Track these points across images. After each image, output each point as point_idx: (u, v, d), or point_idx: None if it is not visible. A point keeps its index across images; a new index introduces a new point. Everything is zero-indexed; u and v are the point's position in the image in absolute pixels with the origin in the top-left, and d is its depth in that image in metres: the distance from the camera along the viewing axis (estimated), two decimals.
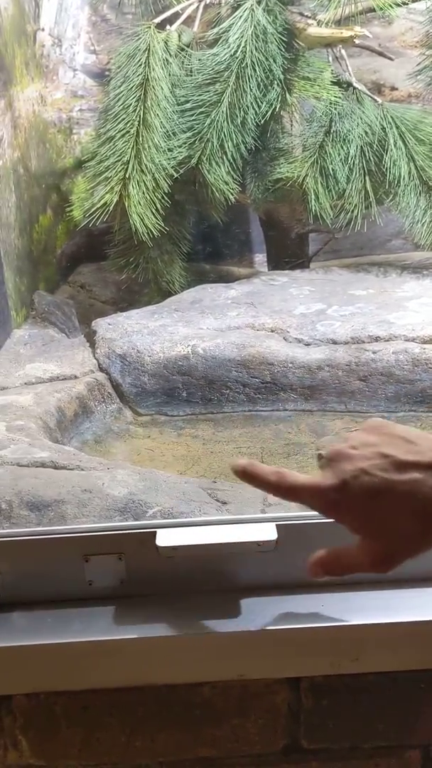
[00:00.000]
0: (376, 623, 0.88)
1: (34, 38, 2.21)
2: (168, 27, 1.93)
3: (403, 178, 1.90)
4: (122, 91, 1.78)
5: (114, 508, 1.07)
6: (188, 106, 1.83)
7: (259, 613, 0.90)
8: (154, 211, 1.82)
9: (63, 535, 0.91)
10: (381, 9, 1.82)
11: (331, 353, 1.71)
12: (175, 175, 1.85)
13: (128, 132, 1.77)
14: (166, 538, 0.89)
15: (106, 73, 2.04)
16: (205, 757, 0.94)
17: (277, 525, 0.90)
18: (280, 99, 1.83)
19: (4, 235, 1.95)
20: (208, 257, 2.58)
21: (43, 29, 2.26)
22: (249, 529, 0.91)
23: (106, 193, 1.78)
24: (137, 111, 1.77)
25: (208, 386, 1.72)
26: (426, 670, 0.89)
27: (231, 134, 1.83)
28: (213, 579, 0.92)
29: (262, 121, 1.86)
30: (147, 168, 1.79)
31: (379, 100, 1.98)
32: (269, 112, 1.84)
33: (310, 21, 1.87)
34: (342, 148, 1.92)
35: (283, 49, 1.81)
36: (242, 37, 1.78)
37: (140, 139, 1.78)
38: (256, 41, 1.79)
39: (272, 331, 1.81)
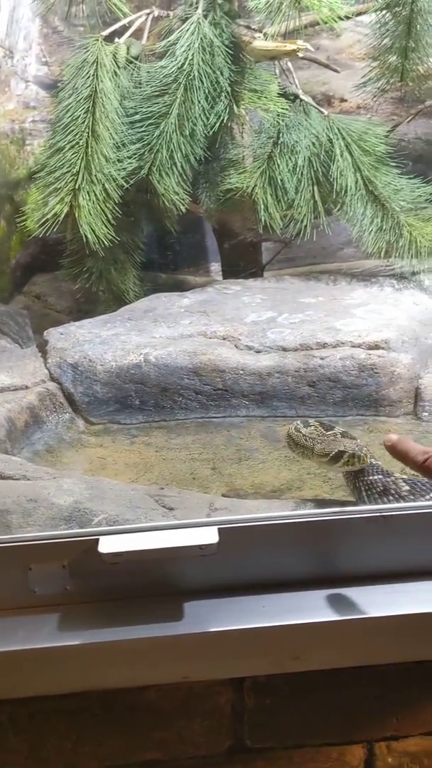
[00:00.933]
0: (316, 622, 0.90)
1: None
2: (117, 40, 1.95)
3: (350, 188, 1.95)
4: (71, 103, 1.79)
5: (59, 516, 1.08)
6: (137, 117, 1.85)
7: (202, 616, 0.91)
8: (104, 221, 1.83)
9: (6, 545, 0.91)
10: (325, 22, 1.86)
11: (281, 360, 1.73)
12: (126, 186, 1.86)
13: (77, 143, 1.79)
14: (108, 545, 0.91)
15: (58, 84, 2.04)
16: (152, 759, 0.95)
17: (219, 528, 0.92)
18: (228, 110, 1.86)
19: None
20: (164, 266, 2.60)
21: None
22: (191, 533, 0.93)
23: (57, 203, 1.79)
24: (86, 122, 1.79)
25: (161, 394, 1.74)
26: (366, 667, 0.92)
27: (180, 145, 1.85)
28: (157, 583, 0.94)
29: (211, 133, 1.89)
30: (97, 179, 1.80)
31: (326, 111, 2.03)
32: (218, 124, 1.87)
33: (257, 34, 1.90)
34: (290, 158, 1.96)
35: (230, 62, 1.84)
36: (189, 49, 1.81)
37: (89, 150, 1.79)
38: (203, 54, 1.81)
39: (224, 339, 1.83)
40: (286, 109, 1.95)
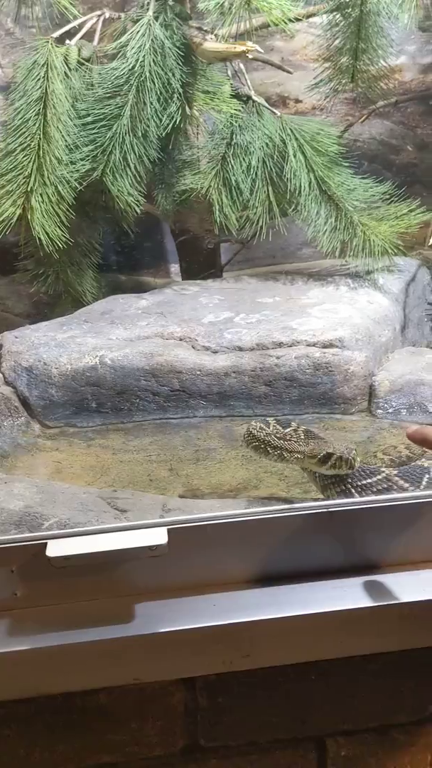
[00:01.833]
0: (265, 619, 0.91)
1: None
2: (68, 41, 1.94)
3: (304, 189, 1.96)
4: (22, 105, 1.78)
5: (9, 521, 1.07)
6: (90, 119, 1.84)
7: (153, 617, 0.92)
8: (58, 222, 1.82)
9: None
10: (276, 24, 1.87)
11: (238, 360, 1.74)
12: (79, 188, 1.85)
13: (29, 145, 1.77)
14: (56, 549, 0.90)
15: (12, 86, 2.03)
16: (106, 763, 0.95)
17: (168, 529, 0.92)
18: (180, 112, 1.86)
19: None
20: (124, 268, 2.59)
21: None
22: (141, 534, 0.93)
23: (9, 206, 1.78)
24: (37, 124, 1.78)
25: (118, 396, 1.73)
26: (315, 662, 0.93)
27: (133, 146, 1.85)
28: (107, 586, 0.94)
29: (164, 134, 1.89)
30: (49, 181, 1.79)
31: (278, 112, 2.04)
32: (170, 125, 1.87)
33: (208, 36, 1.90)
34: (244, 159, 1.97)
35: (182, 63, 1.84)
36: (140, 51, 1.80)
37: (41, 152, 1.78)
38: (154, 55, 1.81)
39: (181, 340, 1.83)
40: (239, 110, 1.95)
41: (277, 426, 1.32)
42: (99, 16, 2.00)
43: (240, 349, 1.77)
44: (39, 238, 1.81)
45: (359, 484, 1.16)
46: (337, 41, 2.07)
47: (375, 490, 1.15)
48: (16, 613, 0.92)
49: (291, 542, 0.93)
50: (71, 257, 2.10)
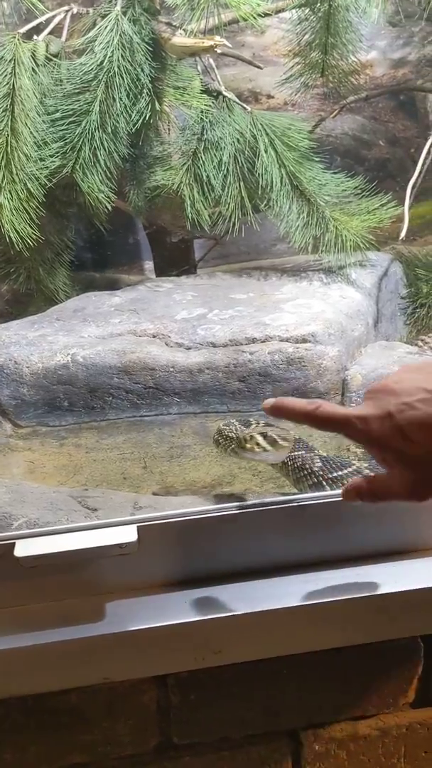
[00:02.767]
0: (237, 614, 0.90)
1: None
2: (36, 37, 1.92)
3: (276, 184, 1.96)
4: None
5: None
6: (58, 115, 1.82)
7: (124, 615, 0.91)
8: (27, 220, 1.80)
9: None
10: (245, 19, 1.86)
11: (211, 356, 1.74)
12: (49, 185, 1.84)
13: None
14: (25, 549, 0.89)
15: None
16: (78, 763, 0.94)
17: (138, 527, 0.92)
18: (150, 107, 1.85)
19: None
20: (97, 265, 2.58)
21: None
22: (110, 532, 0.92)
23: None
24: (5, 121, 1.76)
25: (90, 394, 1.72)
26: (285, 657, 0.93)
27: (103, 142, 1.83)
28: (77, 585, 0.93)
29: (134, 130, 1.88)
30: (18, 177, 1.77)
31: (249, 107, 2.03)
32: (140, 121, 1.86)
33: (177, 31, 1.90)
34: (215, 155, 1.96)
35: (150, 59, 1.83)
36: (108, 46, 1.79)
37: (9, 148, 1.76)
38: (123, 51, 1.80)
39: (154, 337, 1.82)
40: (210, 106, 1.95)
41: (239, 425, 1.32)
42: (67, 11, 1.98)
43: (213, 345, 1.77)
44: (9, 236, 1.79)
45: (330, 476, 1.17)
46: (306, 36, 2.06)
47: (346, 482, 1.15)
48: None
49: (262, 537, 0.93)
50: (42, 255, 2.08)
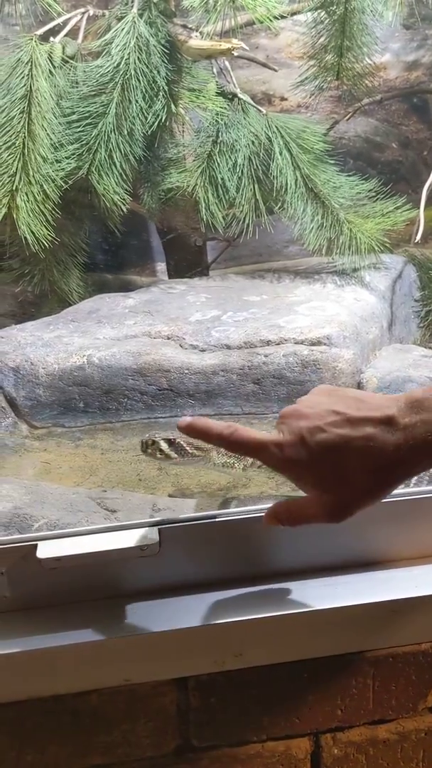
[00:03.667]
0: (257, 618, 0.90)
1: None
2: (52, 39, 1.93)
3: (290, 186, 1.96)
4: (5, 103, 1.76)
5: None
6: (75, 117, 1.83)
7: (144, 617, 0.91)
8: (43, 222, 1.81)
9: None
10: (261, 22, 1.87)
11: (225, 358, 1.74)
12: (65, 186, 1.84)
13: (14, 144, 1.76)
14: (47, 550, 0.90)
15: None
16: (97, 764, 0.94)
17: (159, 529, 0.92)
18: (166, 109, 1.86)
19: None
20: (110, 267, 2.58)
21: None
22: (132, 534, 0.92)
23: None
24: (22, 123, 1.76)
25: (105, 395, 1.73)
26: (307, 660, 0.92)
27: (119, 145, 1.84)
28: (98, 587, 0.93)
29: (150, 132, 1.88)
30: (35, 179, 1.78)
31: (264, 110, 2.04)
32: (156, 123, 1.86)
33: (193, 34, 1.90)
34: (230, 157, 1.97)
35: (167, 61, 1.84)
36: (125, 48, 1.80)
37: (26, 150, 1.77)
38: (139, 53, 1.81)
39: (168, 339, 1.83)
40: (225, 108, 1.95)
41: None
42: (83, 13, 1.99)
43: (228, 347, 1.77)
44: (25, 237, 1.80)
45: None
46: (322, 39, 2.07)
47: None
48: (6, 616, 0.91)
49: (282, 540, 0.93)
50: (57, 256, 2.09)
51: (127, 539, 0.91)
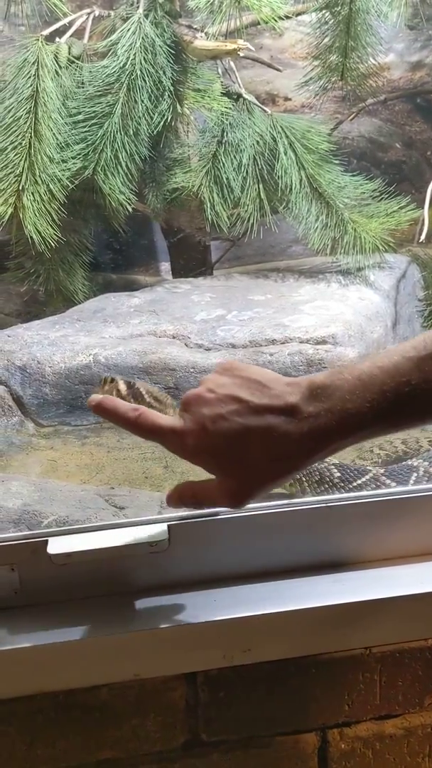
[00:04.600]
0: (265, 613, 0.91)
1: None
2: (58, 39, 1.94)
3: (294, 186, 1.97)
4: (12, 103, 1.77)
5: (8, 519, 1.07)
6: (81, 117, 1.84)
7: (154, 613, 0.92)
8: (50, 221, 1.82)
9: None
10: (266, 22, 1.88)
11: (231, 357, 1.75)
12: (71, 186, 1.85)
13: (20, 144, 1.77)
14: (57, 546, 0.90)
15: (2, 84, 2.02)
16: (107, 758, 0.95)
17: (169, 525, 0.92)
18: (171, 110, 1.87)
19: None
20: (115, 267, 2.59)
21: None
22: (141, 530, 0.93)
23: (1, 205, 1.77)
24: (28, 123, 1.77)
25: None
26: (315, 655, 0.93)
27: (125, 145, 1.85)
28: (108, 582, 0.94)
29: (155, 132, 1.89)
30: (41, 179, 1.79)
31: (269, 110, 2.05)
32: (161, 123, 1.87)
33: (198, 34, 1.91)
34: (234, 157, 1.97)
35: (172, 61, 1.85)
36: (131, 49, 1.81)
37: (32, 150, 1.78)
38: (145, 53, 1.82)
39: (174, 338, 1.84)
40: (230, 108, 1.96)
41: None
42: (88, 13, 2.00)
43: (233, 346, 1.78)
44: (31, 237, 1.81)
45: (349, 487, 1.18)
46: (326, 39, 2.08)
47: (313, 478, 1.17)
48: (17, 611, 0.92)
49: (290, 537, 0.94)
50: (62, 256, 2.10)
51: (137, 535, 0.92)
